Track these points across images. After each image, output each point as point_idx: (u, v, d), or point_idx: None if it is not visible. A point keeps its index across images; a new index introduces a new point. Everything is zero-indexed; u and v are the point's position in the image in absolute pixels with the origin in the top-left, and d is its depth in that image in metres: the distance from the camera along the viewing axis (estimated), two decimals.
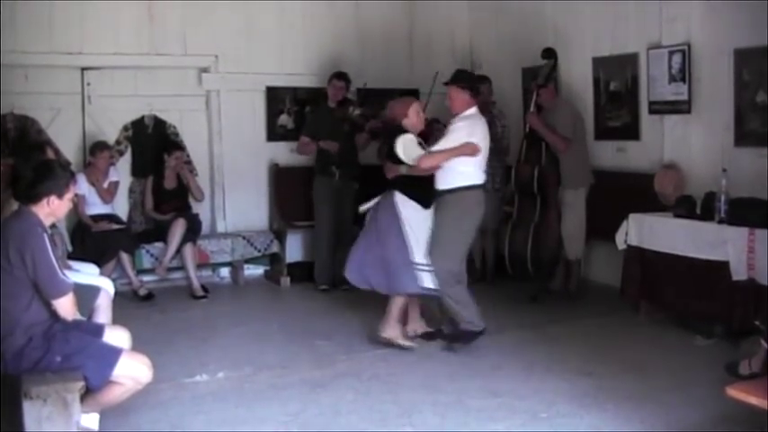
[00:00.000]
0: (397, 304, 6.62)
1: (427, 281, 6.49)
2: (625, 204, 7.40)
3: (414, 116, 6.69)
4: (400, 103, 6.88)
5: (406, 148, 6.54)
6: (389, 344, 6.59)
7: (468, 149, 6.41)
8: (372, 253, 6.59)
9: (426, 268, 6.48)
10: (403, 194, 6.57)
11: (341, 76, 8.94)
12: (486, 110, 8.64)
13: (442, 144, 6.47)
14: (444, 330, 6.79)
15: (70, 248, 7.56)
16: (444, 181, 6.51)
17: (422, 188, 6.57)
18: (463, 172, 6.48)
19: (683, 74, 7.49)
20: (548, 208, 8.15)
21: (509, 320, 7.41)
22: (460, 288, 6.56)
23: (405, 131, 6.63)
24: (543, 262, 8.19)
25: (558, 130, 7.90)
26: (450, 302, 6.53)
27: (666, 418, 4.99)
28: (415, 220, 6.53)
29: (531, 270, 8.21)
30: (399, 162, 6.55)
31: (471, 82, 6.76)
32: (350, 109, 8.84)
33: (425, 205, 6.59)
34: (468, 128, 6.47)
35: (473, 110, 6.61)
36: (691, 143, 7.58)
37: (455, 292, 6.51)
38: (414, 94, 8.86)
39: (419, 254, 6.48)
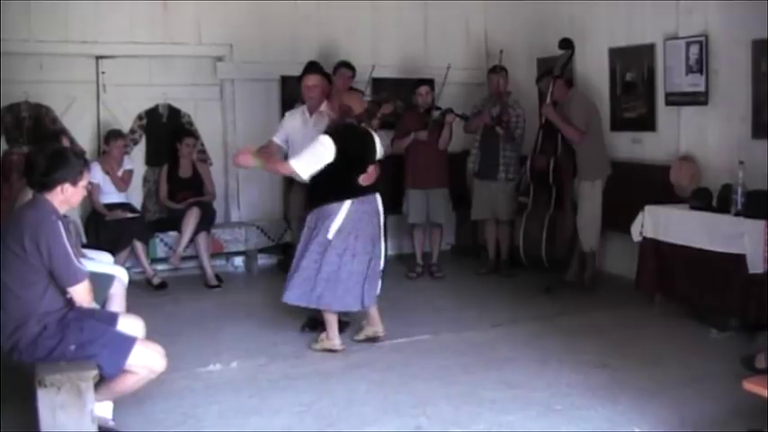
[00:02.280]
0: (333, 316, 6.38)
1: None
2: (641, 196, 7.37)
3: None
4: (357, 98, 6.74)
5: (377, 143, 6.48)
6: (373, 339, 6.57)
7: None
8: (342, 269, 6.17)
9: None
10: (380, 198, 6.42)
11: (348, 64, 8.88)
12: (499, 99, 8.67)
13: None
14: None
15: (85, 239, 7.56)
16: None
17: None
18: None
19: (700, 65, 7.43)
20: (563, 199, 8.13)
21: (523, 312, 7.39)
22: None
23: (360, 127, 6.38)
24: (558, 253, 8.17)
25: (573, 122, 7.86)
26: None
27: (681, 412, 4.96)
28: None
29: (545, 261, 8.19)
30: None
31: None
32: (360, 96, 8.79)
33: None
34: None
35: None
36: (707, 135, 7.52)
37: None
38: (428, 83, 8.84)
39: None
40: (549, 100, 8.03)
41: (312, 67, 7.30)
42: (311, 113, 6.89)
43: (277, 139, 6.98)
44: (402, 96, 9.15)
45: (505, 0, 10.16)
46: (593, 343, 6.36)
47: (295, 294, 6.22)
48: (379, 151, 6.45)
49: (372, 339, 6.55)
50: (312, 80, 6.81)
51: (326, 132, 6.18)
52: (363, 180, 6.20)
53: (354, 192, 6.18)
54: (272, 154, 6.80)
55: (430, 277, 8.98)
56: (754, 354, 5.36)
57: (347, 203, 6.13)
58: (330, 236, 6.12)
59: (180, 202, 8.82)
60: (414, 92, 8.86)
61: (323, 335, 6.41)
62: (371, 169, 6.27)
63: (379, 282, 6.47)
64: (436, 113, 8.72)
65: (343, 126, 6.26)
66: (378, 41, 10.01)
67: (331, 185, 6.13)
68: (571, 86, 8.30)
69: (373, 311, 6.54)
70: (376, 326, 6.57)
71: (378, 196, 6.36)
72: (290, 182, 7.53)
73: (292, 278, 6.24)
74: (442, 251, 9.36)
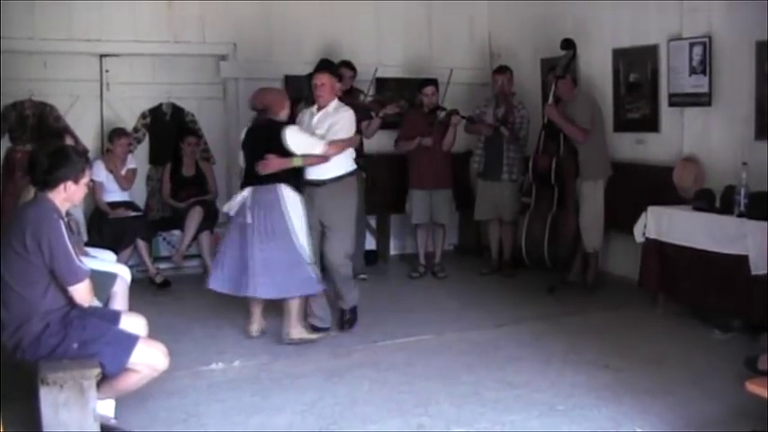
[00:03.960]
0: (295, 304, 6.51)
1: (318, 277, 6.55)
2: (644, 197, 7.36)
3: (287, 109, 6.76)
4: (277, 94, 6.95)
5: (300, 137, 6.51)
6: (302, 343, 6.52)
7: (355, 141, 7.01)
8: (253, 258, 6.36)
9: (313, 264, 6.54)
10: (291, 188, 6.47)
11: (348, 64, 8.85)
12: (504, 99, 8.67)
13: (342, 133, 6.69)
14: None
15: (86, 237, 7.57)
16: (329, 170, 6.67)
17: (300, 180, 6.62)
18: (346, 159, 6.81)
19: (704, 66, 7.42)
20: (565, 199, 8.12)
21: (526, 312, 7.39)
22: (349, 268, 6.90)
23: (281, 123, 6.58)
24: (560, 253, 8.16)
25: (577, 122, 7.86)
26: (340, 283, 6.87)
27: (684, 412, 4.96)
28: (298, 215, 6.45)
29: (548, 261, 8.18)
30: (286, 154, 6.44)
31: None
32: (361, 96, 8.79)
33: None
34: (352, 118, 6.84)
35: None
36: (711, 136, 7.51)
37: (346, 270, 6.85)
38: (433, 83, 8.83)
39: (308, 251, 6.47)
40: (551, 100, 8.03)
41: (322, 66, 7.33)
42: (319, 111, 6.88)
43: None
44: (406, 96, 9.15)
45: (510, 0, 10.15)
46: (596, 343, 6.35)
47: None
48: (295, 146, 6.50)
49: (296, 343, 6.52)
50: (320, 79, 6.81)
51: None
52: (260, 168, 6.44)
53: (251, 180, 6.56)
54: None
55: (433, 277, 8.97)
56: (757, 355, 5.33)
57: (247, 189, 6.55)
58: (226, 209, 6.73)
59: (183, 201, 8.83)
60: (419, 91, 8.84)
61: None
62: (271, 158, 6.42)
63: (301, 278, 6.43)
64: (441, 114, 8.71)
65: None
66: (381, 41, 10.01)
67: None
68: (575, 86, 8.30)
69: (289, 310, 6.53)
70: (288, 327, 6.55)
71: (281, 186, 6.45)
72: None
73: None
74: (445, 251, 9.35)
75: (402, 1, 10.10)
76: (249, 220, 6.40)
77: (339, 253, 6.74)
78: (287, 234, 6.37)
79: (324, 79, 6.80)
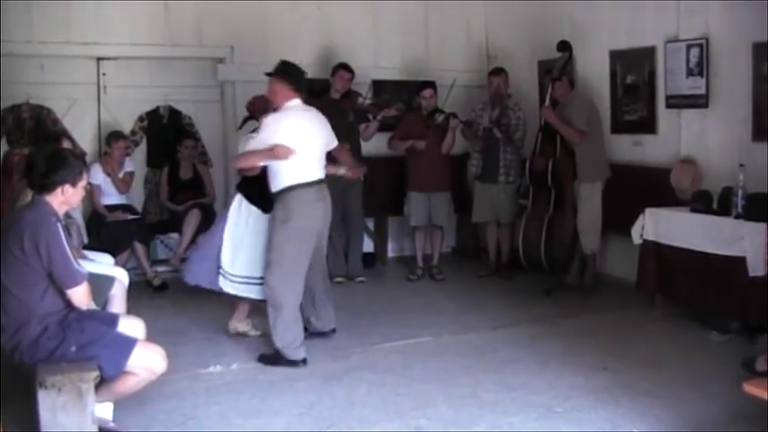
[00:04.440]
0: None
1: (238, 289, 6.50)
2: (641, 198, 7.38)
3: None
4: (260, 100, 6.76)
5: (241, 144, 6.41)
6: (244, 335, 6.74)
7: (279, 153, 5.86)
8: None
9: (243, 280, 6.46)
10: (243, 197, 6.51)
11: (346, 66, 8.84)
12: (499, 101, 8.67)
13: (250, 144, 6.13)
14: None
15: (86, 240, 7.57)
16: (273, 183, 6.07)
17: (261, 189, 6.23)
18: (285, 171, 6.00)
19: (701, 68, 7.43)
20: (562, 201, 8.14)
21: (524, 314, 7.40)
22: (283, 310, 6.02)
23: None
24: (558, 255, 8.18)
25: (573, 123, 7.87)
26: (270, 318, 6.12)
27: (682, 414, 4.97)
28: (245, 225, 6.46)
29: (545, 263, 8.19)
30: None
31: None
32: (359, 99, 8.79)
33: (264, 210, 6.37)
34: (274, 125, 6.03)
35: (294, 101, 6.21)
36: (708, 137, 7.52)
37: (274, 312, 6.05)
38: (430, 86, 8.83)
39: (229, 262, 6.44)
40: (547, 102, 8.04)
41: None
42: None
43: None
44: (403, 98, 9.16)
45: (506, 2, 10.16)
46: (594, 345, 6.36)
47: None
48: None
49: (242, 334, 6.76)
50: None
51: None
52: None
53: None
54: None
55: (431, 279, 8.97)
56: (755, 356, 5.34)
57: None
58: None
59: (180, 204, 8.83)
60: (417, 94, 8.84)
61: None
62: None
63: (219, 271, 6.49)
64: (440, 117, 8.71)
65: None
66: (379, 43, 10.02)
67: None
68: (573, 88, 8.30)
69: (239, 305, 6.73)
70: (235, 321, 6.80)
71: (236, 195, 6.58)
72: None
73: None
74: (443, 253, 9.35)
75: (399, 3, 10.10)
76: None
77: (270, 279, 6.08)
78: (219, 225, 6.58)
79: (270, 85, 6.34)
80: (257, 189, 6.28)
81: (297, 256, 6.05)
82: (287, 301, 6.00)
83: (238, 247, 6.44)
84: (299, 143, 5.95)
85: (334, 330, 6.73)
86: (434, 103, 8.80)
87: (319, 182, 6.14)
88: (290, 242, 5.99)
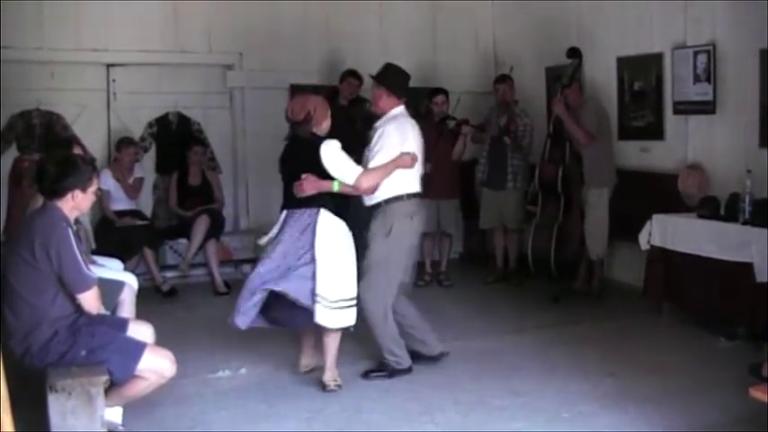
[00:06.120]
0: (332, 341, 5.69)
1: (330, 317, 5.47)
2: (649, 204, 7.38)
3: (329, 120, 5.77)
4: (319, 100, 5.82)
5: (334, 159, 5.53)
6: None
7: (406, 162, 5.73)
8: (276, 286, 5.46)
9: (337, 305, 5.46)
10: (332, 213, 5.54)
11: (355, 73, 8.87)
12: (506, 108, 8.67)
13: (379, 157, 5.70)
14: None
15: (94, 245, 7.60)
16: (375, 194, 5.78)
17: (347, 205, 5.73)
18: (396, 181, 5.77)
19: (708, 74, 7.44)
20: (571, 208, 8.13)
21: (531, 320, 7.42)
22: (387, 324, 5.85)
23: (322, 138, 5.64)
24: (566, 262, 8.17)
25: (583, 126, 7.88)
26: (375, 336, 5.88)
27: (689, 420, 4.97)
28: (331, 245, 5.48)
29: (553, 270, 8.19)
30: (326, 176, 5.53)
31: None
32: (366, 105, 8.81)
33: (351, 227, 5.69)
34: (397, 134, 5.81)
35: (399, 108, 6.06)
36: (715, 143, 7.53)
37: (380, 328, 5.83)
38: (442, 92, 8.84)
39: (327, 286, 5.40)
40: (559, 95, 8.00)
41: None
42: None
43: None
44: (411, 105, 9.16)
45: (514, 7, 10.18)
46: (601, 351, 6.37)
47: None
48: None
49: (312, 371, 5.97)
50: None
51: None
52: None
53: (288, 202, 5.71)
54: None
55: (438, 285, 8.99)
56: (762, 362, 5.35)
57: (283, 213, 5.74)
58: (261, 242, 5.86)
59: (189, 210, 8.86)
60: (429, 100, 8.85)
61: None
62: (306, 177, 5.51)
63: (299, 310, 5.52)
64: (451, 124, 8.72)
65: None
66: (386, 50, 9.98)
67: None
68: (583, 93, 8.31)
69: (305, 340, 6.00)
70: (306, 357, 6.03)
71: (320, 211, 5.53)
72: None
73: None
74: (451, 260, 9.37)
75: (407, 10, 10.14)
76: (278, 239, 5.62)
77: (364, 294, 5.70)
78: (308, 264, 5.44)
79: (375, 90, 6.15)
80: (346, 205, 5.73)
81: (398, 272, 5.86)
82: (386, 314, 5.82)
83: (337, 270, 5.52)
84: (417, 152, 5.87)
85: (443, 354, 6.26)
86: (446, 109, 8.81)
87: (418, 195, 5.96)
88: (393, 256, 5.80)
